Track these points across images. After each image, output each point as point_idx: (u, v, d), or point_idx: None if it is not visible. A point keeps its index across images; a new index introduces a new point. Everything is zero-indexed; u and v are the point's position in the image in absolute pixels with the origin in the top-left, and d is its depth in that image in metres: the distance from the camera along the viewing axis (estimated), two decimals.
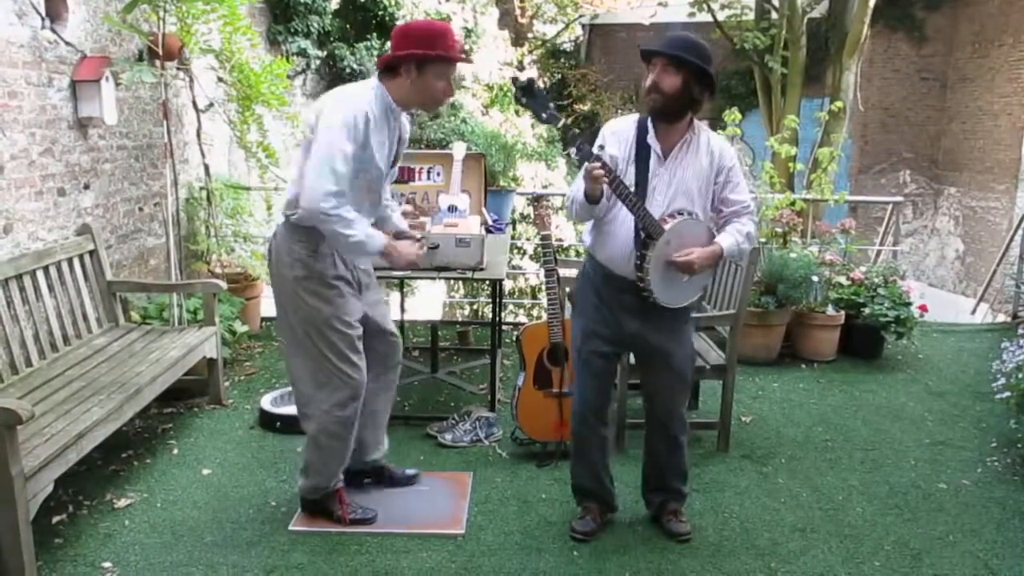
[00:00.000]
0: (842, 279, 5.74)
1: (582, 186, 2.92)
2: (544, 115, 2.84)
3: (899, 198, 8.01)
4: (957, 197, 13.52)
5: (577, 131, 2.90)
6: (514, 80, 2.88)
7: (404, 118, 3.23)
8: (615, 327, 3.12)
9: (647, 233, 2.91)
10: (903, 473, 3.94)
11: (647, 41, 3.23)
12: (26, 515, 2.75)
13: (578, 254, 9.42)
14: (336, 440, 3.22)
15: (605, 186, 2.84)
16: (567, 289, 3.90)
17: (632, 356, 3.30)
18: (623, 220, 2.98)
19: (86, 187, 4.61)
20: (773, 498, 3.66)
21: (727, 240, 3.02)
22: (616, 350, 3.23)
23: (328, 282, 3.07)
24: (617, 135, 3.03)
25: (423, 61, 2.95)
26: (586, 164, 2.82)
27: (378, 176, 3.05)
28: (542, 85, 14.64)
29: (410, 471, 3.69)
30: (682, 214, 2.96)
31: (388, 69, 3.02)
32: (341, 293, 3.09)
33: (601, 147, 2.95)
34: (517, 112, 10.68)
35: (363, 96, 2.96)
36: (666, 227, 2.91)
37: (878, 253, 7.10)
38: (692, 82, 2.88)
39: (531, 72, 12.58)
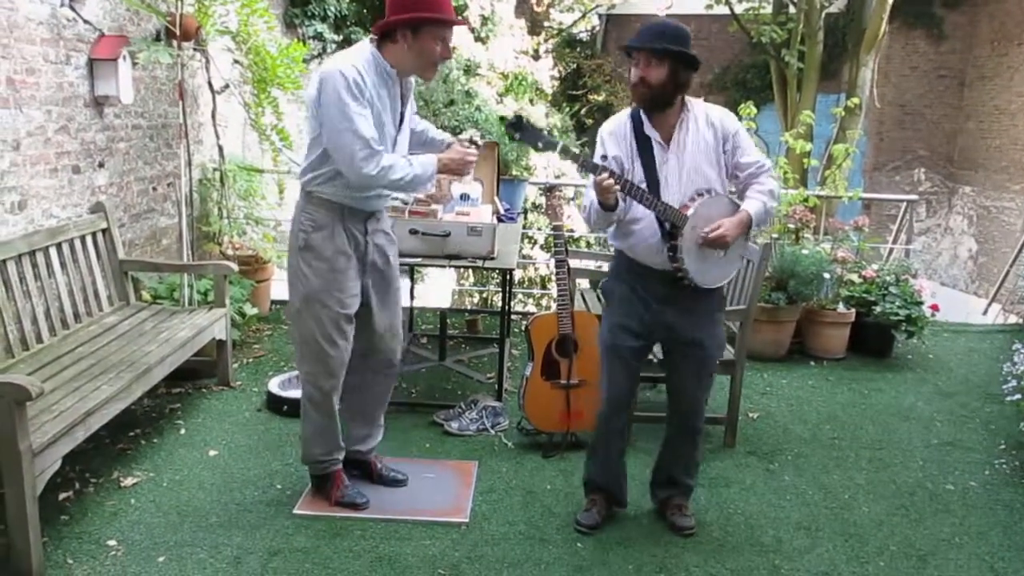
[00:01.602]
0: (854, 276, 5.71)
1: (595, 195, 2.91)
2: (540, 144, 2.83)
3: (913, 196, 7.97)
4: (972, 196, 13.45)
5: (576, 150, 2.90)
6: (502, 119, 2.87)
7: (412, 81, 3.20)
8: (647, 318, 3.10)
9: (672, 224, 2.92)
10: (910, 473, 3.93)
11: None
12: (33, 491, 2.76)
13: (589, 245, 9.41)
14: (317, 411, 3.27)
15: (619, 191, 2.85)
16: (587, 283, 3.88)
17: (660, 348, 3.30)
18: (644, 216, 2.97)
19: (101, 165, 4.62)
20: (779, 495, 3.65)
21: (753, 204, 3.01)
22: (646, 343, 3.21)
23: (323, 256, 3.08)
24: (614, 135, 3.03)
25: (418, 24, 2.90)
26: (593, 177, 2.82)
27: (380, 137, 3.00)
28: (557, 74, 14.60)
29: (399, 475, 3.58)
30: (701, 195, 2.95)
31: (385, 36, 2.97)
32: (333, 268, 3.09)
33: (604, 156, 2.94)
34: (532, 101, 10.65)
35: (353, 59, 2.94)
36: (688, 213, 2.90)
37: (890, 251, 7.07)
38: (678, 69, 2.88)
39: (546, 61, 12.52)
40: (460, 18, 3.10)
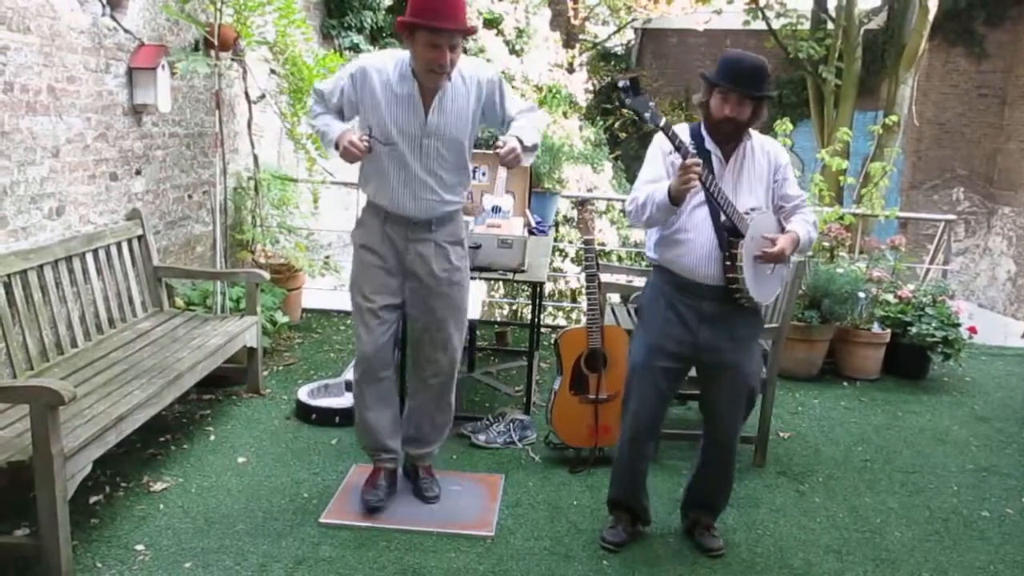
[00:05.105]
0: (889, 296, 5.63)
1: (658, 188, 2.87)
2: (647, 115, 2.77)
3: (951, 216, 7.84)
4: (1011, 217, 13.22)
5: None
6: (614, 83, 2.80)
7: (473, 85, 3.13)
8: (687, 339, 3.02)
9: (731, 231, 2.89)
10: (944, 498, 3.85)
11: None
12: (64, 494, 2.79)
13: (620, 259, 9.37)
14: (357, 394, 3.40)
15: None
16: (617, 298, 3.86)
17: (695, 370, 3.22)
18: (698, 225, 2.94)
19: (138, 173, 4.68)
20: (809, 517, 3.60)
21: (800, 228, 3.03)
22: (683, 365, 3.12)
23: (356, 247, 3.28)
24: (683, 135, 2.97)
25: (412, 27, 2.90)
26: (681, 161, 2.78)
27: (382, 130, 3.05)
28: (591, 88, 14.59)
29: (432, 491, 3.53)
30: (755, 210, 2.95)
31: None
32: (360, 261, 3.27)
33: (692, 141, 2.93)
34: (565, 114, 10.65)
35: (382, 54, 3.15)
36: (748, 221, 2.90)
37: (927, 271, 6.96)
38: (762, 106, 2.91)
39: (581, 75, 12.52)
40: (464, 26, 2.94)
